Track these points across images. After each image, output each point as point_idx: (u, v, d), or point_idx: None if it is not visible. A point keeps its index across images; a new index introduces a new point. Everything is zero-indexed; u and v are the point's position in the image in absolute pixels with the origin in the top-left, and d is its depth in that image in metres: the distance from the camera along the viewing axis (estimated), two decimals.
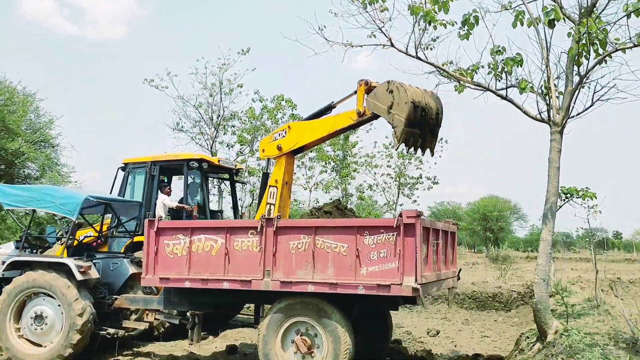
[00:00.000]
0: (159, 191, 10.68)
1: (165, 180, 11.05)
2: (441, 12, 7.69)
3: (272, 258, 6.66)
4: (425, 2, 7.84)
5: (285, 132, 8.19)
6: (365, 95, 7.46)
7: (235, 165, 11.38)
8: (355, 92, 7.63)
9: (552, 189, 8.23)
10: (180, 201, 10.56)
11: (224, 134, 23.09)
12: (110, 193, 11.51)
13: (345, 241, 6.39)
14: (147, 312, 8.25)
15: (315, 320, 6.54)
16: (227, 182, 11.80)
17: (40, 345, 7.81)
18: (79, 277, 7.65)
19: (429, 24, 7.88)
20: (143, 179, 10.59)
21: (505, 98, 8.67)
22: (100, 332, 8.03)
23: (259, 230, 6.71)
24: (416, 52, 8.14)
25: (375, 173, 33.38)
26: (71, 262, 7.72)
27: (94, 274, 7.94)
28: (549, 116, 8.41)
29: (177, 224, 7.27)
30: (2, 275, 8.21)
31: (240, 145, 23.25)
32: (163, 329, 8.46)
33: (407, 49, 8.12)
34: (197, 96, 22.59)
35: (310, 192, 26.24)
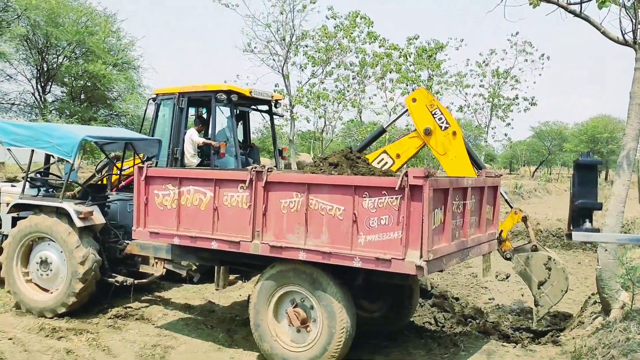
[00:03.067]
0: (194, 125, 9.97)
1: (198, 114, 10.27)
2: None
3: (262, 218, 5.70)
4: None
5: (445, 123, 7.47)
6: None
7: (272, 97, 10.31)
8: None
9: (632, 132, 6.61)
10: (209, 137, 9.78)
11: (295, 55, 21.89)
12: (141, 127, 10.95)
13: (342, 202, 5.29)
14: (156, 260, 7.71)
15: (309, 292, 5.61)
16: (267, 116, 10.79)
17: (48, 291, 7.52)
18: (78, 223, 7.14)
19: None
20: (171, 111, 9.85)
21: (579, 15, 6.92)
22: (109, 279, 7.60)
23: (247, 184, 5.75)
24: None
25: (466, 94, 31.16)
26: (70, 207, 7.20)
27: (97, 219, 7.40)
28: (634, 38, 6.66)
29: (166, 173, 6.45)
30: (17, 215, 7.90)
31: (313, 66, 22.04)
32: (192, 272, 7.89)
33: None
34: (268, 14, 21.44)
35: (390, 116, 24.75)
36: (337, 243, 5.31)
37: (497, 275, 11.06)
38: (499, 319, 8.44)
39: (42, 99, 27.14)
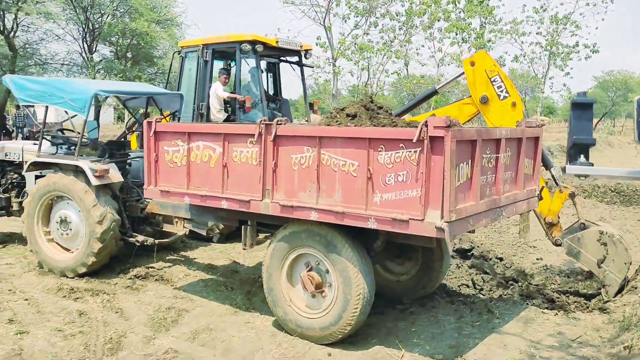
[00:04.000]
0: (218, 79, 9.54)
1: (225, 67, 9.81)
2: None
3: (272, 175, 5.25)
4: None
5: (504, 92, 6.79)
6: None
7: (301, 46, 9.71)
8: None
9: None
10: (233, 91, 9.34)
11: (337, 5, 20.95)
12: (167, 82, 10.61)
13: (356, 157, 4.76)
14: (176, 219, 7.43)
15: (324, 255, 5.16)
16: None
17: (69, 251, 7.38)
18: (94, 181, 6.89)
19: None
20: (196, 65, 9.44)
21: None
22: (130, 239, 7.39)
23: (256, 138, 5.28)
24: None
25: (522, 42, 29.43)
26: (85, 165, 6.95)
27: (114, 177, 7.14)
28: None
29: (174, 127, 6.04)
30: (40, 173, 7.75)
31: (356, 16, 21.08)
32: (211, 232, 7.61)
33: None
34: None
35: (438, 67, 23.65)
36: (351, 202, 4.81)
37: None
38: (545, 281, 7.83)
39: (89, 58, 27.31)
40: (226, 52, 9.55)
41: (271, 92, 10.60)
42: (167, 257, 8.18)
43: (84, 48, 27.66)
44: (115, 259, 7.59)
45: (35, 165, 7.56)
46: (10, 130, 26.93)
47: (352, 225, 4.82)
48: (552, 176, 6.75)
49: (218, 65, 9.94)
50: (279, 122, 5.19)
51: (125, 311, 6.05)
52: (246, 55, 9.06)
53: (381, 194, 4.66)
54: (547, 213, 6.65)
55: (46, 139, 7.69)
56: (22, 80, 7.45)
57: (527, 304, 6.56)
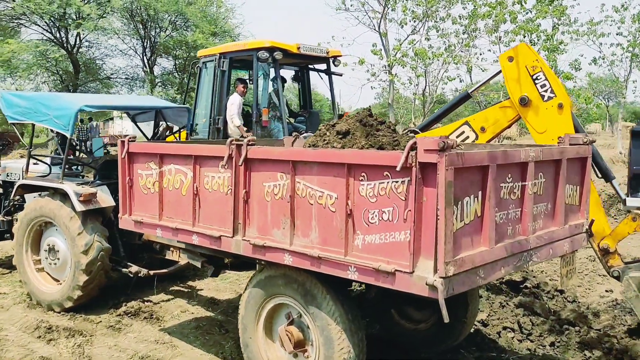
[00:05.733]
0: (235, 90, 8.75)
1: (242, 77, 9.01)
2: None
3: (244, 206, 4.31)
4: None
5: (549, 92, 5.56)
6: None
7: (328, 52, 8.76)
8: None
9: None
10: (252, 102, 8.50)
11: (393, 10, 19.86)
12: (184, 97, 9.93)
13: (334, 188, 3.74)
14: (172, 248, 6.62)
15: (303, 307, 4.16)
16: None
17: (59, 282, 6.74)
18: (78, 207, 6.20)
19: None
20: (212, 75, 8.69)
21: None
22: (123, 269, 6.66)
23: (225, 161, 4.37)
24: None
25: (600, 44, 27.18)
26: (69, 188, 6.28)
27: (104, 201, 6.43)
28: None
29: (147, 148, 5.22)
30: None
31: (413, 21, 19.89)
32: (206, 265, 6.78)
33: None
34: None
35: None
36: (329, 244, 3.80)
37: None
38: (612, 321, 6.47)
39: (150, 71, 27.55)
40: (246, 61, 8.76)
41: (300, 103, 9.72)
42: (170, 288, 7.41)
43: (144, 62, 27.95)
44: (112, 289, 6.90)
45: (24, 189, 6.99)
46: (74, 144, 27.47)
47: (330, 274, 3.80)
48: (615, 189, 5.44)
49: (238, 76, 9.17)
50: (250, 143, 4.25)
51: (94, 359, 5.27)
52: (265, 63, 8.21)
53: (363, 235, 3.62)
54: (601, 237, 5.29)
55: (36, 159, 7.11)
56: (10, 96, 6.90)
57: (586, 355, 5.30)
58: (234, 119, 8.46)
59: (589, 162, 4.56)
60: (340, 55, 9.00)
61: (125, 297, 6.87)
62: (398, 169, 3.29)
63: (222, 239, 4.47)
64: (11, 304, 6.82)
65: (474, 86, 7.53)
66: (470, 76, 24.22)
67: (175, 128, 8.02)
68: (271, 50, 8.06)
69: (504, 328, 6.25)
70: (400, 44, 20.33)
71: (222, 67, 8.48)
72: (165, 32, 26.11)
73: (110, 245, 6.51)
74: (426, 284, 3.24)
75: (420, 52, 19.84)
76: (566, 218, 4.36)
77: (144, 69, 28.15)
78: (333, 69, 9.11)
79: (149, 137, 7.76)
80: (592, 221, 4.61)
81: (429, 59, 20.05)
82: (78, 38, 25.67)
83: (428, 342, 5.39)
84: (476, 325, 6.12)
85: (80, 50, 25.99)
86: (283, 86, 9.24)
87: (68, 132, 6.28)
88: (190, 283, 7.66)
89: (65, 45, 25.22)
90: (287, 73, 9.88)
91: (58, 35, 24.85)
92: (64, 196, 6.41)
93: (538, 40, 20.86)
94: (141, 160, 5.19)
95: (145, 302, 6.77)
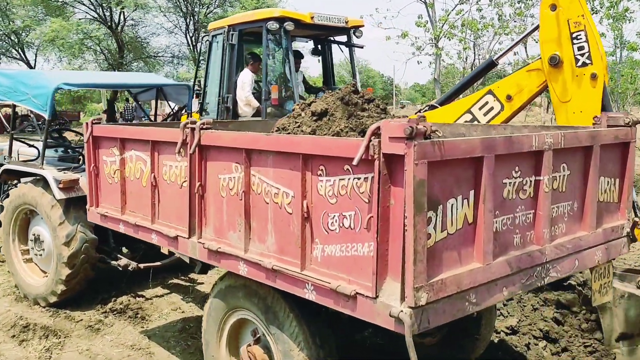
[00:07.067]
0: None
1: (254, 52, 8.27)
2: None
3: (200, 202, 3.61)
4: None
5: (586, 57, 4.69)
6: None
7: (347, 22, 7.87)
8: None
9: None
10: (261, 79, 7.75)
11: None
12: (197, 69, 9.27)
13: (290, 184, 2.98)
14: None
15: (264, 325, 3.44)
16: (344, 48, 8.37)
17: (46, 274, 6.28)
18: (58, 194, 5.67)
19: None
20: (221, 50, 7.98)
21: None
22: (112, 262, 6.12)
23: (178, 148, 3.67)
24: None
25: None
26: (49, 174, 5.75)
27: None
28: None
29: (110, 131, 4.56)
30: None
31: None
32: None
33: None
34: None
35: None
36: (285, 253, 3.05)
37: None
38: None
39: (193, 49, 27.17)
40: (257, 34, 7.98)
41: (321, 79, 8.92)
42: (170, 281, 6.85)
43: (188, 40, 27.63)
44: (106, 282, 6.42)
45: (9, 174, 6.54)
46: (118, 121, 27.59)
47: (286, 291, 3.06)
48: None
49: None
50: (203, 126, 3.52)
51: None
52: (275, 35, 7.43)
53: (322, 245, 2.85)
54: None
55: (20, 141, 6.64)
56: None
57: None
58: (249, 98, 7.76)
59: (633, 148, 3.59)
60: (362, 25, 8.10)
61: (116, 292, 6.36)
62: (355, 162, 2.49)
63: (178, 239, 3.79)
64: (0, 296, 6.43)
65: (500, 52, 6.56)
66: (526, 48, 22.65)
67: (176, 107, 7.39)
68: (281, 20, 7.27)
69: (535, 337, 5.38)
70: (448, 15, 19.09)
71: (231, 41, 7.75)
72: (208, 8, 25.59)
73: (99, 236, 5.97)
74: (389, 315, 2.46)
75: (469, 23, 18.55)
76: (599, 220, 3.44)
77: (189, 47, 27.81)
78: (355, 40, 8.23)
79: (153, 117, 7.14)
80: (635, 223, 3.66)
81: (479, 30, 18.74)
82: (122, 16, 25.49)
83: (434, 359, 4.58)
84: (503, 333, 5.27)
85: (124, 28, 25.83)
86: (299, 61, 8.47)
87: (46, 113, 5.73)
88: (192, 275, 7.08)
89: (110, 23, 25.10)
90: (308, 46, 9.09)
91: (102, 13, 24.73)
92: (46, 183, 5.89)
93: (601, 7, 19.13)
94: (105, 145, 4.57)
95: (137, 298, 6.23)
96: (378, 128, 2.48)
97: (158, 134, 3.98)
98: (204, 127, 3.51)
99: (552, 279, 3.17)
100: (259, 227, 3.21)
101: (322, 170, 2.80)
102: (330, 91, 4.10)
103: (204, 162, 3.55)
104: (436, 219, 2.52)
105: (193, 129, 3.55)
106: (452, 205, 2.59)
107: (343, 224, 2.72)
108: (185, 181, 3.68)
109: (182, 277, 7.02)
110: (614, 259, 3.69)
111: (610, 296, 3.73)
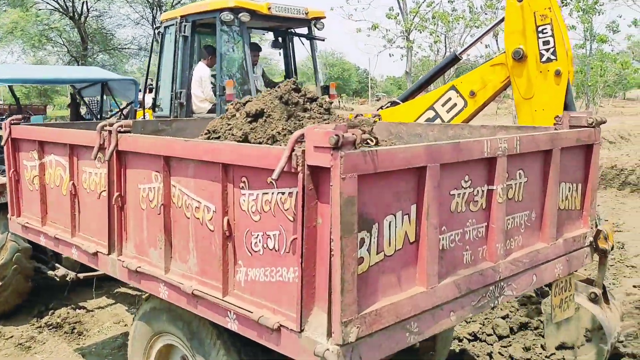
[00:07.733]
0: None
1: (209, 44, 7.82)
2: None
3: (119, 214, 3.21)
4: None
5: (550, 53, 4.50)
6: None
7: (307, 13, 7.48)
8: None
9: None
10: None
11: None
12: (149, 64, 8.80)
13: (211, 197, 2.60)
14: None
15: (190, 353, 3.06)
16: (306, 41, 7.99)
17: None
18: None
19: None
20: (174, 43, 7.52)
21: None
22: (49, 272, 5.68)
23: (95, 153, 3.26)
24: None
25: None
26: None
27: None
28: None
29: (29, 133, 4.12)
30: None
31: None
32: None
33: None
34: None
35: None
36: (208, 276, 2.68)
37: None
38: (638, 329, 5.29)
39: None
40: (212, 25, 7.54)
41: (283, 73, 8.53)
42: (115, 290, 6.42)
43: (155, 31, 26.95)
44: (49, 291, 5.98)
45: None
46: (85, 116, 26.79)
47: (208, 318, 2.69)
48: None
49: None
50: (121, 129, 3.11)
51: None
52: (230, 26, 7.01)
53: (246, 268, 2.48)
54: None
55: None
56: None
57: None
58: (209, 95, 7.33)
59: (597, 150, 3.29)
60: (323, 17, 7.72)
61: (56, 303, 5.91)
62: (274, 176, 2.12)
63: (98, 255, 3.39)
64: None
65: (464, 46, 6.32)
66: (497, 41, 22.51)
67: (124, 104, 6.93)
68: (236, 10, 6.84)
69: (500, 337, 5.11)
70: (419, 7, 18.84)
71: (184, 32, 7.31)
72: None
73: (34, 244, 5.50)
74: (314, 353, 2.10)
75: (440, 16, 18.33)
76: (560, 229, 3.13)
77: (156, 38, 27.13)
78: (317, 32, 7.85)
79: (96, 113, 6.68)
80: (599, 231, 3.36)
81: (450, 22, 18.51)
82: (85, 7, 24.69)
83: None
84: (465, 340, 4.99)
85: (87, 19, 25.02)
86: (257, 54, 8.06)
87: None
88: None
89: (72, 14, 24.29)
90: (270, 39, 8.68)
91: (64, 4, 23.90)
92: None
93: (570, 1, 19.02)
94: (25, 148, 4.13)
95: (77, 310, 5.80)
96: (302, 135, 2.11)
97: (76, 136, 3.56)
98: (122, 129, 3.10)
99: (507, 298, 2.86)
100: (180, 245, 2.83)
101: (244, 182, 2.43)
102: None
103: (123, 169, 3.15)
104: (370, 240, 2.16)
105: (110, 132, 3.14)
106: (389, 223, 2.24)
107: (267, 245, 2.36)
108: (104, 190, 3.28)
109: (130, 286, 6.58)
110: (575, 271, 3.39)
111: (572, 311, 3.43)
